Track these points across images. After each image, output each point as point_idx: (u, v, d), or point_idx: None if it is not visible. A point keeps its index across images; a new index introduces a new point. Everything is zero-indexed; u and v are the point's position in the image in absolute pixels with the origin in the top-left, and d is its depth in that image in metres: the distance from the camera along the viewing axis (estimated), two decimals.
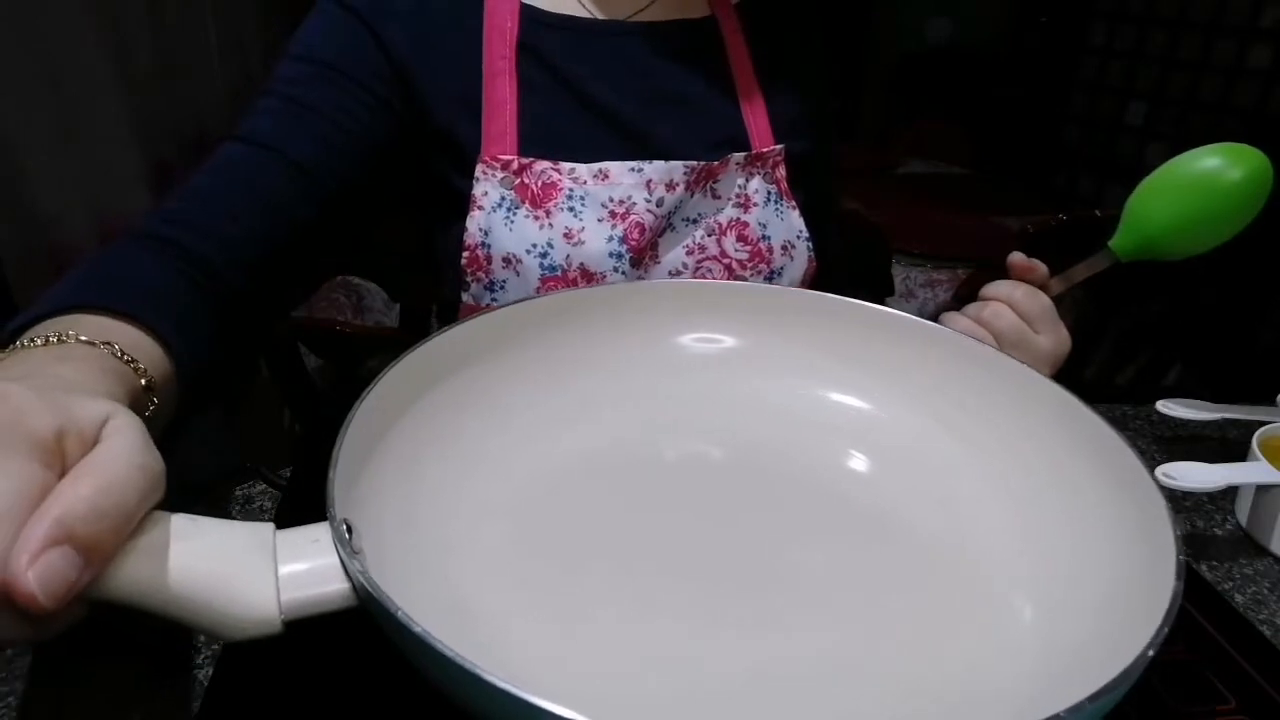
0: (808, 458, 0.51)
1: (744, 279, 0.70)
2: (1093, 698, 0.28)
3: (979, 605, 0.42)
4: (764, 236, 0.70)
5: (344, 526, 0.33)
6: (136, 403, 0.38)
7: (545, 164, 0.65)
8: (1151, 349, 1.31)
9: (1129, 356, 1.32)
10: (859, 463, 0.51)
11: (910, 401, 0.52)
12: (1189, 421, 0.67)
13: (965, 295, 1.29)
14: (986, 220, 1.90)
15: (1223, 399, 0.67)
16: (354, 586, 0.32)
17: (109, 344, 0.39)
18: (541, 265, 0.65)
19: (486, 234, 0.65)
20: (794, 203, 0.72)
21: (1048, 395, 0.46)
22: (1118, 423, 0.76)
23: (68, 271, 0.45)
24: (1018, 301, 0.61)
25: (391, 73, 0.63)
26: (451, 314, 0.71)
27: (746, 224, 0.70)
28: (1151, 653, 0.30)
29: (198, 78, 1.50)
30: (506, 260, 0.65)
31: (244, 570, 0.32)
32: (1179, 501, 0.65)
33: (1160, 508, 0.37)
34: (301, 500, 0.56)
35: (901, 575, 0.44)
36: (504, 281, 0.66)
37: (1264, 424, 0.63)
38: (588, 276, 0.66)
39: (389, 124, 0.63)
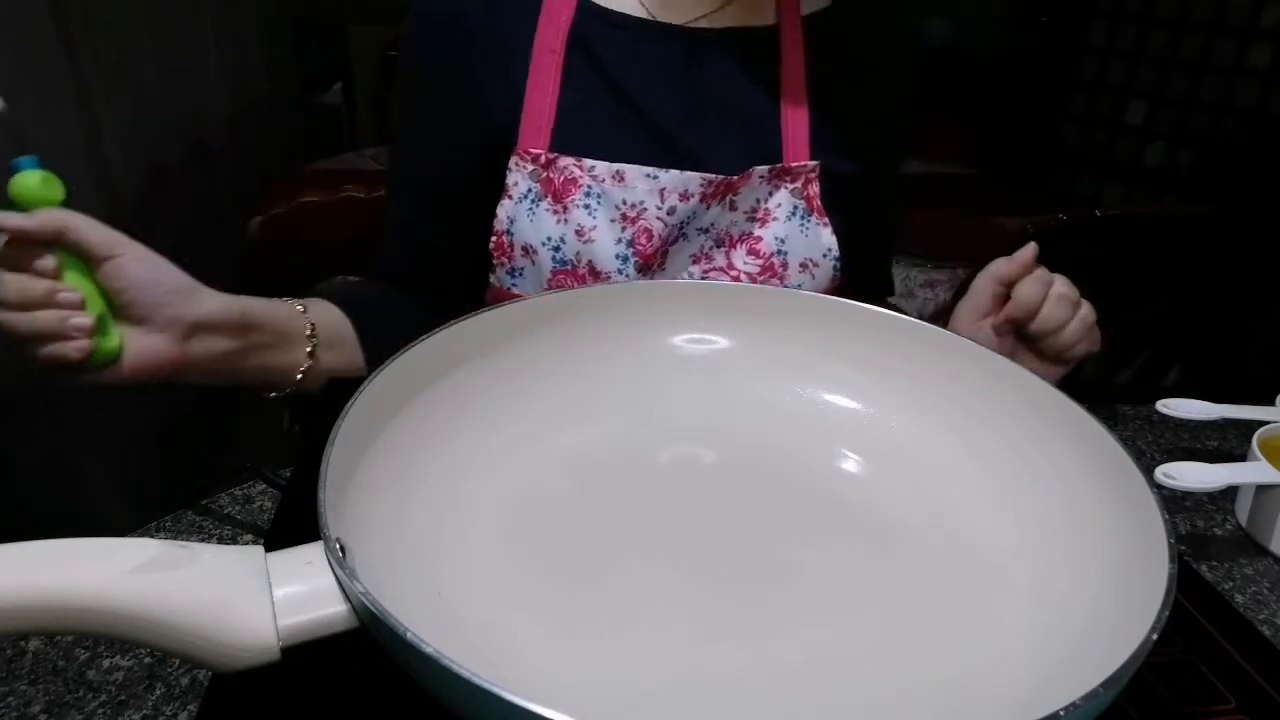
0: (801, 458, 0.51)
1: None
2: (1106, 684, 0.28)
3: (975, 604, 0.42)
4: (779, 251, 0.69)
5: (338, 547, 0.32)
6: (292, 327, 0.62)
7: (569, 160, 0.66)
8: (1151, 349, 1.31)
9: (1129, 356, 1.31)
10: (852, 463, 0.51)
11: (903, 401, 0.52)
12: (1189, 421, 0.67)
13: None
14: (986, 220, 1.89)
15: (1223, 399, 0.67)
16: (354, 608, 0.31)
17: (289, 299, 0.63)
18: (554, 259, 0.67)
19: (512, 222, 0.68)
20: (826, 221, 0.70)
21: (1039, 393, 0.46)
22: (1118, 422, 0.76)
23: None
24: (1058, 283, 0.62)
25: (487, 113, 0.68)
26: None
27: (760, 238, 0.69)
28: (1155, 636, 0.30)
29: (197, 80, 1.50)
30: (525, 250, 0.68)
31: (239, 597, 0.31)
32: (1179, 501, 0.65)
33: (1150, 500, 0.37)
34: (302, 501, 0.56)
35: (897, 575, 0.44)
36: (522, 269, 0.68)
37: (1264, 424, 0.63)
38: (595, 275, 0.67)
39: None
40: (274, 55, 1.86)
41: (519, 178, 0.68)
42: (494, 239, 0.69)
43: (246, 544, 0.41)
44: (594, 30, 0.67)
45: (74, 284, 0.50)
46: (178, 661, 0.46)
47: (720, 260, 0.70)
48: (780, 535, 0.46)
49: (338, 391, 0.41)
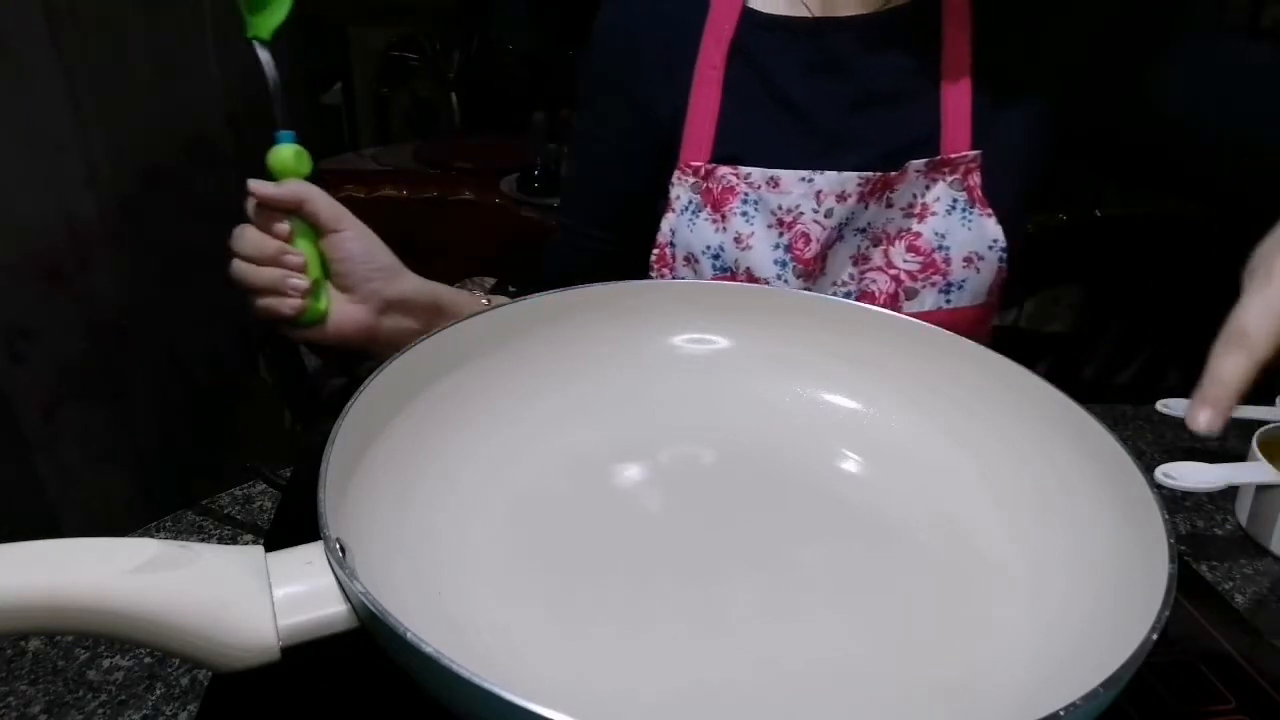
0: (801, 458, 0.51)
1: (915, 291, 0.67)
2: (1106, 684, 0.28)
3: (975, 604, 0.42)
4: (940, 247, 0.66)
5: (338, 547, 0.32)
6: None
7: (726, 169, 0.67)
8: (1151, 349, 1.31)
9: (1129, 356, 1.32)
10: (852, 463, 0.51)
11: (903, 400, 0.52)
12: None
13: None
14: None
15: None
16: (354, 607, 0.31)
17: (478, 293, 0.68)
18: (714, 266, 0.68)
19: (674, 233, 0.70)
20: (989, 211, 0.66)
21: (1039, 393, 0.46)
22: (1118, 422, 0.76)
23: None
24: None
25: (653, 127, 0.71)
26: None
27: (918, 234, 0.66)
28: (1155, 636, 0.30)
29: (195, 78, 1.49)
30: (687, 259, 0.70)
31: (239, 597, 0.31)
32: (1179, 501, 0.65)
33: (1150, 500, 0.37)
34: (302, 501, 0.56)
35: (896, 575, 0.44)
36: (683, 279, 0.71)
37: (1264, 424, 0.63)
38: (754, 281, 0.67)
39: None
40: (274, 55, 1.85)
41: (680, 191, 0.69)
42: (656, 251, 0.71)
43: (246, 544, 0.41)
44: (754, 38, 0.68)
45: (301, 249, 0.57)
46: (178, 661, 0.46)
47: (878, 259, 0.68)
48: (780, 535, 0.46)
49: (338, 391, 0.41)
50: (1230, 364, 0.41)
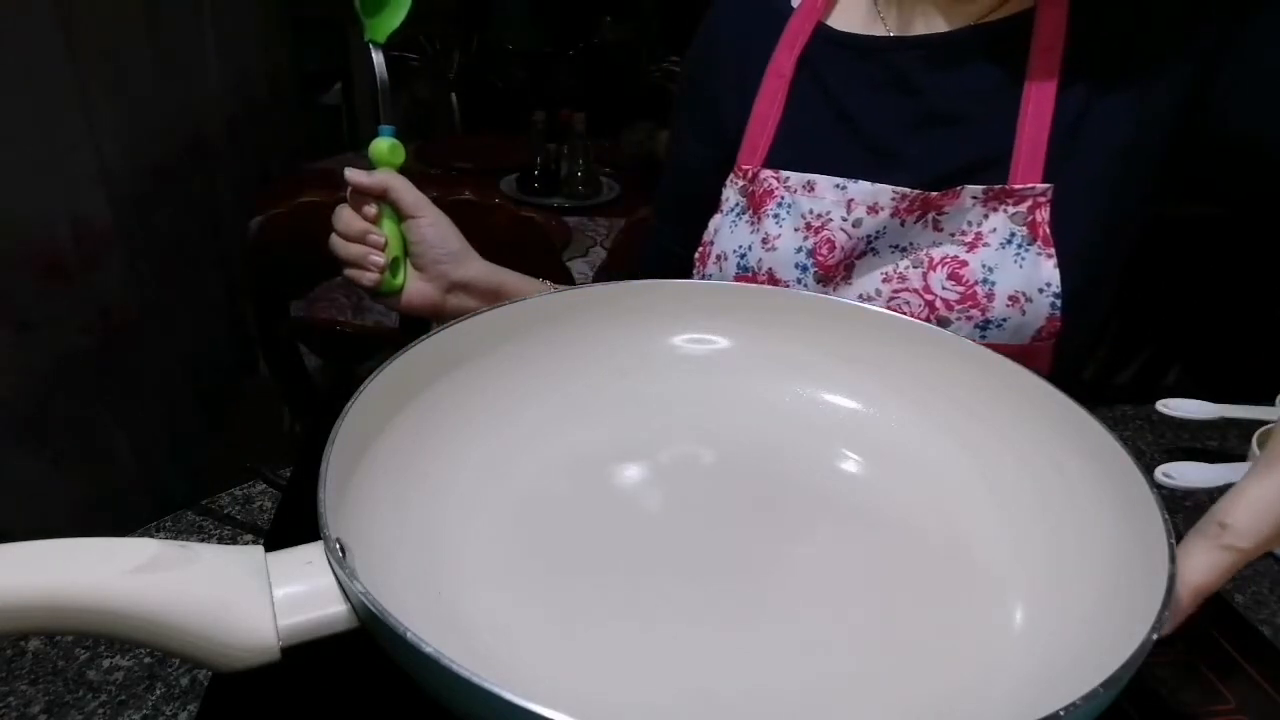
0: (801, 458, 0.51)
1: (948, 320, 0.63)
2: (1106, 684, 0.28)
3: (975, 604, 0.42)
4: (985, 280, 0.62)
5: (338, 547, 0.32)
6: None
7: (769, 173, 0.68)
8: (1151, 349, 1.31)
9: (1129, 356, 1.31)
10: (852, 463, 0.51)
11: (903, 401, 0.52)
12: (1189, 421, 0.67)
13: None
14: None
15: (1223, 399, 0.67)
16: (354, 607, 0.31)
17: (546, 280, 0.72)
18: (739, 265, 0.69)
19: (716, 233, 0.72)
20: (1050, 251, 0.61)
21: (1038, 393, 0.46)
22: (1118, 422, 0.76)
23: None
24: None
25: (719, 137, 0.74)
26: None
27: (965, 263, 0.62)
28: (1155, 636, 0.30)
29: (196, 80, 1.50)
30: (719, 258, 0.71)
31: (239, 597, 0.31)
32: (1179, 501, 0.65)
33: (1150, 500, 0.37)
34: (302, 501, 0.56)
35: (896, 575, 0.44)
36: (710, 276, 0.72)
37: (1264, 424, 0.63)
38: (774, 282, 0.68)
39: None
40: (274, 55, 1.86)
41: (730, 193, 0.72)
42: (700, 249, 0.73)
43: (246, 544, 0.41)
44: (823, 52, 0.69)
45: (385, 230, 0.64)
46: (178, 661, 0.46)
47: (916, 282, 0.64)
48: (780, 536, 0.46)
49: (338, 391, 0.41)
50: (1199, 561, 0.34)
